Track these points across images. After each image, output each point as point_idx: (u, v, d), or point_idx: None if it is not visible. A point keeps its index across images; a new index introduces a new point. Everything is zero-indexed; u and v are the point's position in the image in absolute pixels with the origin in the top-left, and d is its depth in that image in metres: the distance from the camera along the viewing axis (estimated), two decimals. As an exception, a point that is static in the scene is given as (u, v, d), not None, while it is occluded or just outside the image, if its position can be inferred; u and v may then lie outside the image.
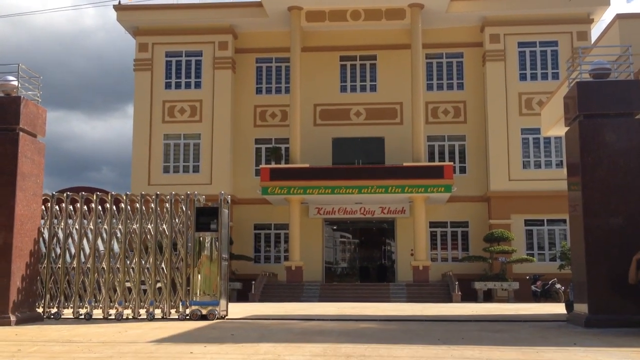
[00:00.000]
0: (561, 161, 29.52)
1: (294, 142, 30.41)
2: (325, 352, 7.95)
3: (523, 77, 31.36)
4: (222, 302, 13.57)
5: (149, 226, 14.20)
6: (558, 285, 24.92)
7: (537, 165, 30.71)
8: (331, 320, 13.46)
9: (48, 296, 14.24)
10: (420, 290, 27.49)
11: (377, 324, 12.65)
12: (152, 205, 14.20)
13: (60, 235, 14.54)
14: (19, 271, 12.57)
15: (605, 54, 13.65)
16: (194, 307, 13.35)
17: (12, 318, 12.14)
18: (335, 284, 30.46)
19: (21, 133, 12.83)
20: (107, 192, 15.18)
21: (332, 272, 32.52)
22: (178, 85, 32.71)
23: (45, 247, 14.43)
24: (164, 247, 14.16)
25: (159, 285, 14.17)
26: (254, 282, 27.37)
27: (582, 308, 11.98)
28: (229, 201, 13.94)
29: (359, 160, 31.62)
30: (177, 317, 13.47)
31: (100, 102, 79.64)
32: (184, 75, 32.73)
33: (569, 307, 14.03)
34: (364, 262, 33.73)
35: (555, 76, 30.77)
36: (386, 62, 32.67)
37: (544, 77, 31.26)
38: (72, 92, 74.54)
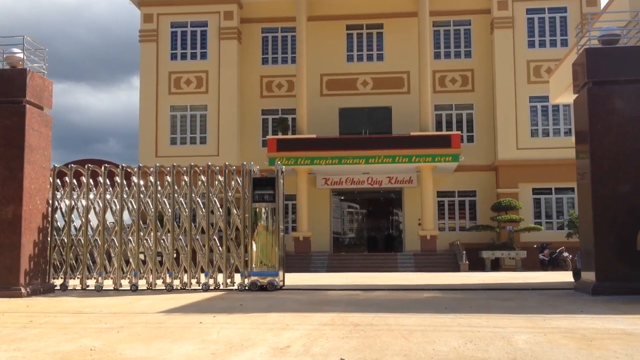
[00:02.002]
0: (570, 129, 29.34)
1: (301, 113, 30.31)
2: (334, 322, 8.00)
3: (531, 45, 31.04)
4: (280, 272, 13.51)
5: (198, 198, 14.23)
6: (565, 254, 24.97)
7: (546, 133, 30.54)
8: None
9: (67, 268, 14.42)
10: (427, 260, 27.60)
11: (385, 294, 12.72)
12: (202, 177, 14.24)
13: (80, 208, 14.66)
14: (29, 243, 12.67)
15: (615, 20, 13.48)
16: (253, 278, 13.26)
17: (23, 290, 12.26)
18: (343, 254, 30.59)
19: (28, 105, 12.82)
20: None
21: (340, 243, 32.64)
22: (184, 56, 32.56)
23: (65, 220, 14.58)
24: (215, 220, 14.16)
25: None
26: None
27: (589, 276, 12.00)
28: (283, 171, 13.78)
29: (366, 130, 31.53)
30: (236, 288, 13.42)
31: (106, 73, 79.56)
32: (190, 46, 32.56)
33: (577, 275, 14.06)
34: (372, 232, 33.82)
35: (564, 43, 30.46)
36: (393, 31, 32.37)
37: (553, 44, 30.93)
38: (76, 64, 74.47)
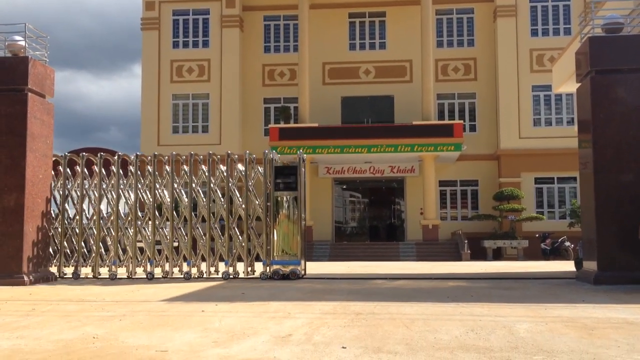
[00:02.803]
0: (572, 118, 29.27)
1: (303, 101, 30.26)
2: (335, 310, 8.02)
3: (534, 33, 30.92)
4: (302, 261, 13.51)
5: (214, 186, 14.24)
6: (567, 243, 24.97)
7: (548, 122, 30.48)
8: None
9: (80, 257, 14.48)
10: (429, 249, 27.62)
11: (387, 282, 12.74)
12: (221, 166, 14.31)
13: (92, 196, 14.74)
14: (31, 232, 12.70)
15: (618, 8, 13.39)
16: (275, 267, 13.24)
17: (26, 278, 12.31)
18: (345, 243, 30.62)
19: (30, 94, 12.81)
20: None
21: (342, 232, 32.67)
22: (186, 45, 32.48)
23: (76, 208, 14.63)
24: (235, 209, 14.19)
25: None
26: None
27: (591, 265, 12.00)
28: (305, 159, 13.77)
29: (368, 119, 31.48)
30: (259, 276, 13.37)
31: (107, 61, 79.46)
32: (192, 34, 32.48)
33: (578, 264, 14.07)
34: (374, 221, 33.84)
35: (567, 31, 30.33)
36: (395, 19, 32.25)
37: (556, 32, 30.81)
38: (77, 52, 74.39)
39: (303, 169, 13.74)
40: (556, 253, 25.41)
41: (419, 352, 5.25)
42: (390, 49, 32.23)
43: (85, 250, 14.84)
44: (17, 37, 13.17)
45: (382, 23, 32.54)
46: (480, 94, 31.61)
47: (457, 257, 26.26)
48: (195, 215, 14.34)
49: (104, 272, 14.48)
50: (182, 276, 13.61)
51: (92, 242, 14.57)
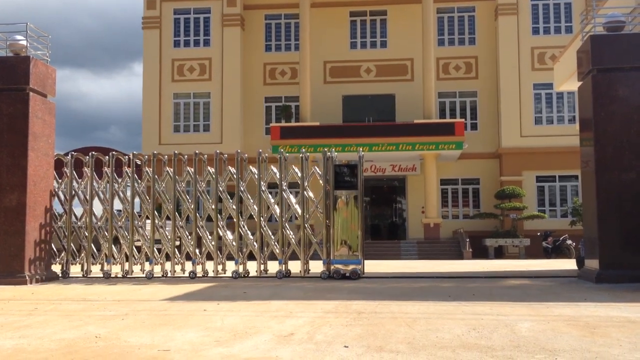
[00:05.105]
0: (574, 116, 29.23)
1: (304, 100, 30.25)
2: (337, 309, 8.03)
3: (536, 31, 30.87)
4: (362, 260, 13.38)
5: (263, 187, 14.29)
6: (569, 242, 24.94)
7: (550, 120, 30.44)
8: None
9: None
10: (431, 248, 27.61)
11: (388, 281, 12.74)
12: (272, 167, 14.41)
13: (101, 195, 14.80)
14: (33, 231, 12.71)
15: (620, 6, 13.37)
16: (336, 266, 13.11)
17: (28, 277, 12.32)
18: (347, 241, 30.50)
19: (31, 93, 12.83)
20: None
21: (344, 230, 32.54)
22: (187, 44, 32.46)
23: (84, 207, 14.65)
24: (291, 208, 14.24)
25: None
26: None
27: (593, 264, 12.00)
28: (363, 156, 13.71)
29: (369, 117, 31.46)
30: (319, 276, 13.29)
31: (107, 60, 79.42)
32: (193, 33, 32.45)
33: (580, 263, 14.06)
34: (375, 219, 33.79)
35: (569, 30, 30.29)
36: (396, 18, 32.22)
37: (557, 30, 30.76)
38: (77, 50, 74.36)
39: (362, 167, 13.62)
40: (558, 251, 25.38)
41: (421, 351, 5.26)
42: (392, 48, 32.19)
43: (94, 248, 14.87)
44: (19, 37, 13.18)
45: (383, 21, 32.51)
46: (481, 92, 31.57)
47: (459, 256, 26.24)
48: (221, 216, 14.44)
49: (114, 270, 14.48)
50: (232, 276, 13.60)
51: (103, 241, 14.58)
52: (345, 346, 5.51)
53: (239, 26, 32.00)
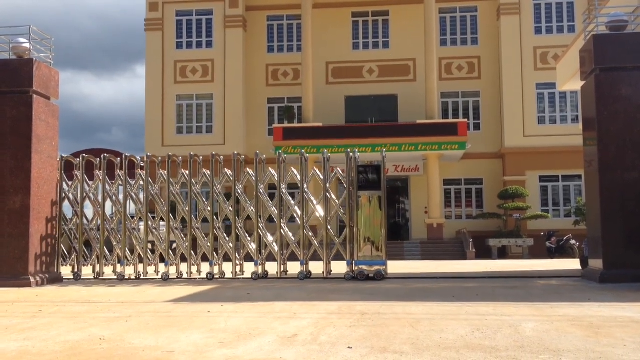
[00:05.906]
0: (577, 116, 29.19)
1: (307, 101, 30.26)
2: (341, 310, 8.03)
3: (538, 31, 30.84)
4: (386, 261, 13.31)
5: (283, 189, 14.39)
6: (573, 241, 24.90)
7: (553, 120, 30.41)
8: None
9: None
10: (434, 248, 27.58)
11: (391, 282, 12.73)
12: (293, 169, 14.58)
13: (114, 198, 14.83)
14: (37, 233, 12.73)
15: (623, 6, 13.36)
16: (360, 267, 13.05)
17: (32, 279, 12.34)
18: (350, 242, 30.49)
19: (35, 96, 12.85)
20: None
21: (347, 231, 32.53)
22: (189, 45, 32.50)
23: (98, 210, 14.69)
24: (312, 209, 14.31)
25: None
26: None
27: (596, 264, 11.98)
28: (385, 156, 13.67)
29: (372, 118, 31.44)
30: (343, 277, 13.22)
31: (109, 62, 79.50)
32: (195, 35, 32.49)
33: (584, 263, 14.04)
34: (378, 220, 33.75)
35: (572, 29, 30.24)
36: (399, 18, 32.21)
37: (560, 30, 30.73)
38: (78, 53, 74.45)
39: (386, 168, 13.56)
40: (561, 251, 25.35)
41: (425, 352, 5.26)
42: (394, 48, 32.19)
43: (106, 250, 14.90)
44: (22, 40, 13.21)
45: (385, 22, 32.50)
46: (484, 92, 31.55)
47: (462, 256, 26.22)
48: (239, 217, 14.50)
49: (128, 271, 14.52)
50: (252, 277, 13.60)
51: (116, 243, 14.61)
52: (349, 347, 5.52)
53: (241, 27, 32.03)
